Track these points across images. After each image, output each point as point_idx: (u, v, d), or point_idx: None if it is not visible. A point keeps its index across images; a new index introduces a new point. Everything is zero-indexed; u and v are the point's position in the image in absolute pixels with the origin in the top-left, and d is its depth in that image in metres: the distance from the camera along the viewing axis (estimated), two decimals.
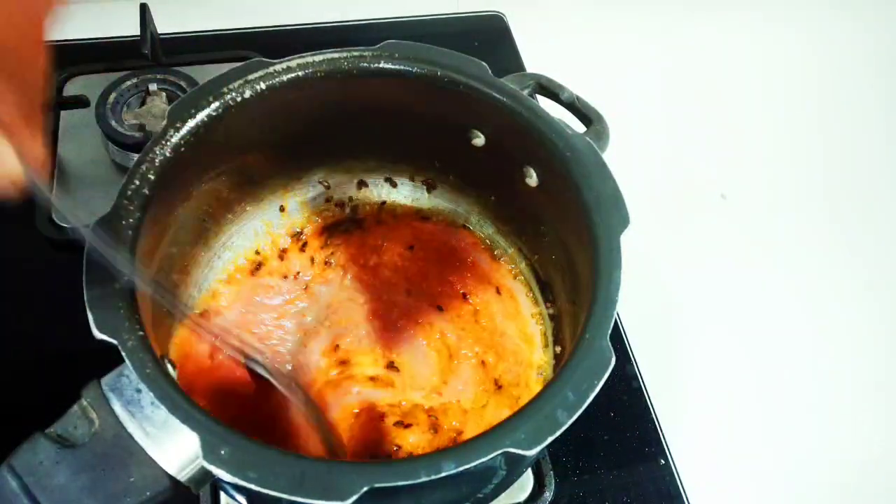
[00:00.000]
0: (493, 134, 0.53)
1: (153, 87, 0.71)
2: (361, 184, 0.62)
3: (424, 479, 0.34)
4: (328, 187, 0.61)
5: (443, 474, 0.34)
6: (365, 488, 0.33)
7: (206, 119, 0.47)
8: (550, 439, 0.36)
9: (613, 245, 0.43)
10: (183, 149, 0.45)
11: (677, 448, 0.61)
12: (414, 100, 0.52)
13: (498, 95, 0.49)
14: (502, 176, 0.54)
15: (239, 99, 0.47)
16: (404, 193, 0.62)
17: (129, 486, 0.34)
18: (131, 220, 0.42)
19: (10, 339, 0.61)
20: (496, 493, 0.50)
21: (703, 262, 0.74)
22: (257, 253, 0.59)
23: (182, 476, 0.35)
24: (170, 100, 0.71)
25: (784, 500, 0.62)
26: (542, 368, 0.56)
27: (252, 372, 0.52)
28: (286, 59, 0.49)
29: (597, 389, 0.38)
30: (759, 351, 0.69)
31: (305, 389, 0.52)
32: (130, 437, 0.35)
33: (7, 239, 0.67)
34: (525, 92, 0.51)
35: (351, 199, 0.62)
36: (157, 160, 0.44)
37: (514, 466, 0.49)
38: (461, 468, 0.34)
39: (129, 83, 0.71)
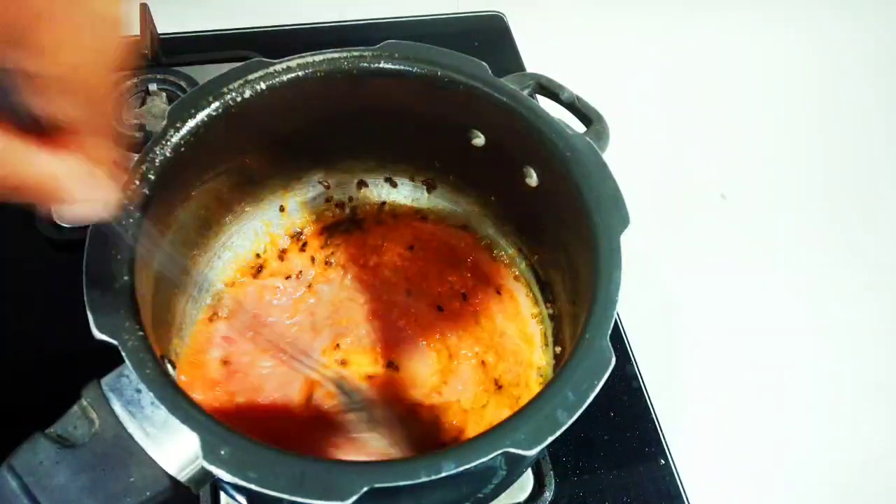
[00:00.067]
0: (493, 134, 0.53)
1: (153, 87, 0.71)
2: (361, 184, 0.62)
3: (424, 479, 0.34)
4: (328, 187, 0.61)
5: (443, 474, 0.34)
6: (365, 488, 0.33)
7: (206, 119, 0.47)
8: (550, 439, 0.36)
9: (613, 245, 0.43)
10: (183, 149, 0.45)
11: (677, 448, 0.61)
12: (414, 100, 0.52)
13: (498, 95, 0.49)
14: (502, 176, 0.54)
15: (239, 99, 0.47)
16: (404, 193, 0.62)
17: (129, 486, 0.34)
18: (131, 221, 0.41)
19: (10, 339, 0.61)
20: (496, 493, 0.50)
21: (703, 262, 0.74)
22: (258, 256, 0.59)
23: (182, 476, 0.35)
24: (170, 100, 0.71)
25: (784, 500, 0.62)
26: (542, 369, 0.56)
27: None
28: (286, 59, 0.49)
29: (597, 389, 0.38)
30: (759, 351, 0.69)
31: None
32: (130, 437, 0.35)
33: (7, 239, 0.67)
34: (525, 92, 0.51)
35: (351, 199, 0.62)
36: (157, 160, 0.44)
37: (514, 466, 0.49)
38: (461, 468, 0.34)
39: (128, 83, 0.71)
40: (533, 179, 0.52)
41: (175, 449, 0.35)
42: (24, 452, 0.34)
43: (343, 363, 0.55)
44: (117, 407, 0.35)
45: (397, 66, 0.50)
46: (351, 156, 0.60)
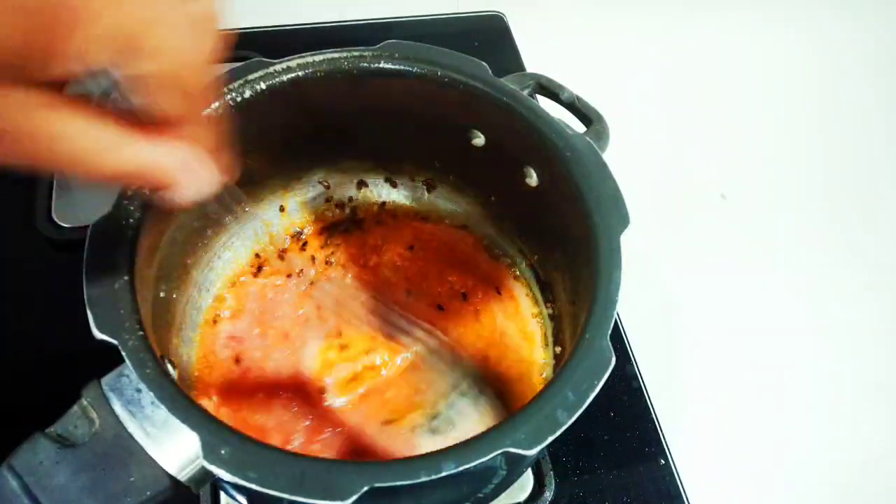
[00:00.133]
0: (493, 134, 0.53)
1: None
2: (361, 184, 0.62)
3: (424, 479, 0.34)
4: (328, 187, 0.61)
5: (443, 474, 0.34)
6: (365, 488, 0.33)
7: None
8: (550, 439, 0.36)
9: (613, 245, 0.43)
10: None
11: (677, 448, 0.61)
12: (414, 100, 0.52)
13: (498, 95, 0.49)
14: (502, 176, 0.54)
15: (239, 99, 0.47)
16: (404, 193, 0.62)
17: (129, 486, 0.34)
18: (131, 220, 0.42)
19: (10, 339, 0.61)
20: (496, 493, 0.50)
21: (703, 262, 0.74)
22: (258, 256, 0.59)
23: (182, 476, 0.35)
24: None
25: (784, 500, 0.62)
26: (542, 368, 0.56)
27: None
28: (286, 59, 0.49)
29: (597, 389, 0.38)
30: (759, 351, 0.69)
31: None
32: (131, 436, 0.35)
33: (7, 239, 0.67)
34: (525, 92, 0.51)
35: (351, 199, 0.62)
36: None
37: (514, 466, 0.49)
38: (461, 468, 0.34)
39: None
40: (533, 179, 0.52)
41: (175, 448, 0.35)
42: (24, 452, 0.34)
43: (343, 348, 0.56)
44: (117, 407, 0.35)
45: (397, 66, 0.50)
46: (351, 156, 0.60)
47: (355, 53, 0.50)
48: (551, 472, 0.57)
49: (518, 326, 0.57)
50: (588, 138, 0.48)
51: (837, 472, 0.63)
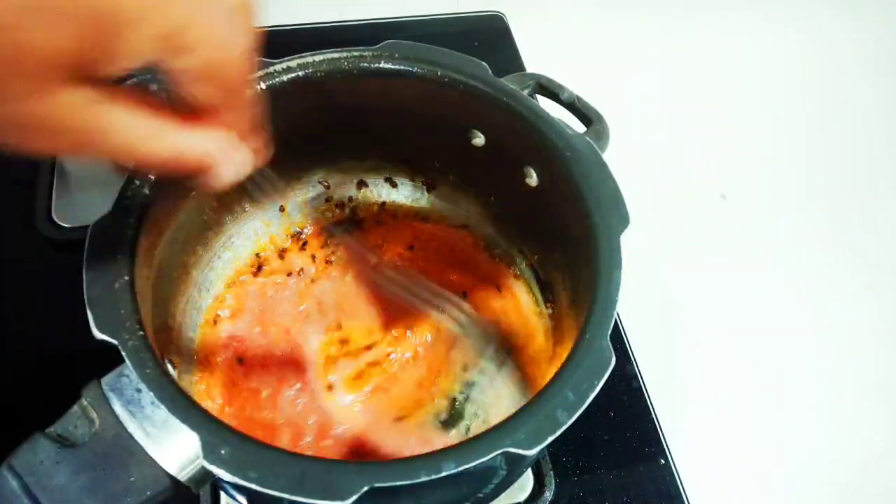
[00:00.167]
0: (493, 134, 0.53)
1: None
2: (361, 184, 0.62)
3: (424, 479, 0.34)
4: (328, 187, 0.61)
5: (443, 474, 0.34)
6: (365, 488, 0.33)
7: None
8: (550, 439, 0.36)
9: (613, 245, 0.43)
10: None
11: (677, 448, 0.61)
12: (414, 100, 0.52)
13: (498, 95, 0.49)
14: (502, 176, 0.54)
15: None
16: (404, 193, 0.62)
17: (129, 486, 0.34)
18: (131, 220, 0.42)
19: (10, 339, 0.61)
20: (496, 493, 0.49)
21: (703, 262, 0.74)
22: (257, 256, 0.59)
23: (182, 476, 0.35)
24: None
25: (784, 500, 0.62)
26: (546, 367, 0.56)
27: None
28: (286, 59, 0.49)
29: (597, 389, 0.38)
30: (759, 351, 0.69)
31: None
32: (131, 436, 0.35)
33: (7, 239, 0.67)
34: (525, 92, 0.51)
35: (351, 199, 0.62)
36: None
37: (514, 466, 0.49)
38: (461, 468, 0.34)
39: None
40: (533, 179, 0.52)
41: (175, 448, 0.35)
42: (24, 452, 0.34)
43: (344, 341, 0.56)
44: (117, 407, 0.35)
45: (397, 66, 0.50)
46: (351, 156, 0.60)
47: (355, 53, 0.50)
48: (551, 472, 0.57)
49: (520, 322, 0.57)
50: (588, 138, 0.48)
51: (837, 472, 0.63)
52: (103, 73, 0.26)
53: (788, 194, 0.81)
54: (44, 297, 0.64)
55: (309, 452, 0.50)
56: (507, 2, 0.91)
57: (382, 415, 0.53)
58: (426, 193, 0.62)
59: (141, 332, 0.38)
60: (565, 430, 0.36)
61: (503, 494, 0.51)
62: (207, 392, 0.52)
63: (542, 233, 0.56)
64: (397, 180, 0.62)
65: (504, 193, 0.57)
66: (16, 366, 0.60)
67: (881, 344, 0.71)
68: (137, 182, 0.43)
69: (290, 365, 0.54)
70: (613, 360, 0.39)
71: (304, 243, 0.60)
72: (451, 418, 0.53)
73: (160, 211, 0.45)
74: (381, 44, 0.50)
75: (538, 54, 0.86)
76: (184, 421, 0.35)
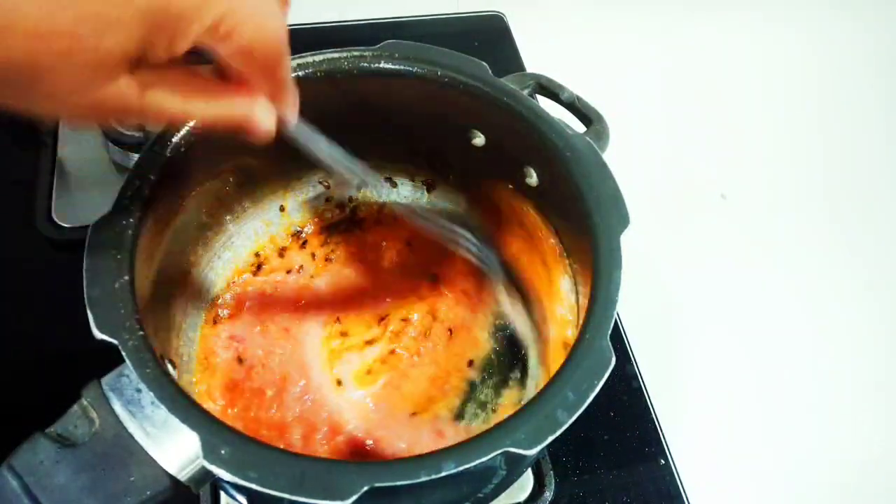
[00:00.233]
0: (493, 134, 0.53)
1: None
2: (361, 184, 0.62)
3: (424, 478, 0.34)
4: (328, 187, 0.61)
5: (443, 474, 0.34)
6: (365, 488, 0.33)
7: None
8: (550, 439, 0.36)
9: (613, 245, 0.43)
10: (183, 149, 0.45)
11: (677, 448, 0.61)
12: (414, 100, 0.52)
13: (498, 95, 0.49)
14: (502, 176, 0.54)
15: None
16: (404, 193, 0.62)
17: (129, 486, 0.34)
18: (131, 220, 0.42)
19: (10, 339, 0.61)
20: (496, 492, 0.50)
21: (703, 262, 0.74)
22: (257, 255, 0.59)
23: (182, 476, 0.35)
24: None
25: (784, 500, 0.62)
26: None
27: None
28: None
29: (597, 389, 0.38)
30: (759, 351, 0.69)
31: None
32: (131, 436, 0.35)
33: (7, 239, 0.67)
34: (525, 92, 0.51)
35: (351, 199, 0.62)
36: (157, 160, 0.44)
37: (514, 466, 0.49)
38: (461, 468, 0.34)
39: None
40: (533, 179, 0.52)
41: (175, 448, 0.35)
42: (24, 452, 0.34)
43: (344, 334, 0.56)
44: (117, 406, 0.35)
45: (397, 66, 0.50)
46: (350, 156, 0.60)
47: (355, 53, 0.50)
48: (551, 472, 0.57)
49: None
50: (588, 138, 0.48)
51: (837, 472, 0.63)
52: (155, 61, 0.31)
53: (788, 194, 0.81)
54: (44, 297, 0.64)
55: (323, 448, 0.50)
56: (507, 2, 0.91)
57: (396, 410, 0.53)
58: (426, 193, 0.62)
59: (141, 332, 0.38)
60: (565, 430, 0.36)
61: (503, 494, 0.51)
62: (208, 393, 0.52)
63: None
64: (397, 180, 0.62)
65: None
66: (16, 366, 0.60)
67: (881, 344, 0.71)
68: (137, 182, 0.43)
69: (293, 362, 0.54)
70: (613, 360, 0.39)
71: (304, 242, 0.60)
72: (465, 412, 0.54)
73: (160, 211, 0.45)
74: (381, 44, 0.50)
75: (538, 54, 0.86)
76: (184, 421, 0.35)
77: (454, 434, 0.52)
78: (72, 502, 0.33)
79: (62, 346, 0.59)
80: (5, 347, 0.61)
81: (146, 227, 0.42)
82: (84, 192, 0.68)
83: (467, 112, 0.51)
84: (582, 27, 0.94)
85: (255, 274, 0.58)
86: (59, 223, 0.65)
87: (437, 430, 0.52)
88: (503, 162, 0.53)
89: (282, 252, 0.60)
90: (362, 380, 0.54)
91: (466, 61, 0.50)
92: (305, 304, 0.57)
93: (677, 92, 0.89)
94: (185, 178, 0.48)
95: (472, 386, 0.55)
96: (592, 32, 0.93)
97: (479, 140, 0.53)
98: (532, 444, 0.35)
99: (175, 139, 0.45)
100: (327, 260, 0.60)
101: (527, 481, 0.57)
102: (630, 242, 0.43)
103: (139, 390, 0.36)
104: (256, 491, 0.33)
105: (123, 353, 0.36)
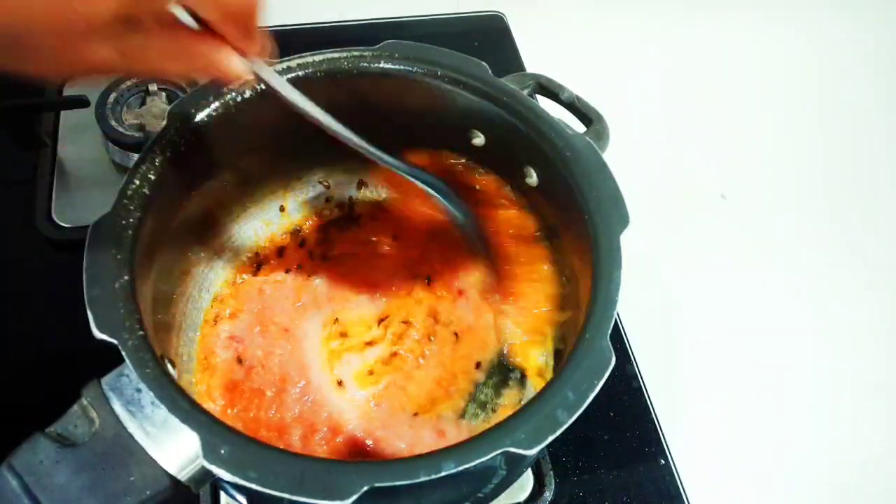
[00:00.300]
0: (493, 134, 0.53)
1: (153, 87, 0.71)
2: (361, 184, 0.62)
3: (424, 478, 0.34)
4: (328, 187, 0.61)
5: (443, 474, 0.34)
6: (365, 488, 0.33)
7: (206, 119, 0.47)
8: (550, 439, 0.36)
9: (613, 245, 0.43)
10: (183, 149, 0.45)
11: (677, 448, 0.61)
12: (414, 100, 0.52)
13: (498, 95, 0.49)
14: (502, 176, 0.54)
15: (239, 99, 0.48)
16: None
17: (129, 486, 0.34)
18: (131, 220, 0.42)
19: (10, 339, 0.61)
20: (496, 492, 0.50)
21: (703, 262, 0.74)
22: (257, 255, 0.59)
23: (182, 475, 0.35)
24: (170, 100, 0.71)
25: (784, 500, 0.62)
26: (541, 369, 0.56)
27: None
28: (286, 59, 0.49)
29: (597, 389, 0.38)
30: (759, 351, 0.69)
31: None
32: (131, 436, 0.35)
33: (7, 239, 0.67)
34: (525, 92, 0.51)
35: (351, 198, 0.62)
36: (157, 160, 0.44)
37: (514, 466, 0.49)
38: (461, 468, 0.34)
39: (129, 83, 0.71)
40: (533, 179, 0.52)
41: (175, 448, 0.35)
42: (24, 452, 0.34)
43: (343, 335, 0.56)
44: (117, 406, 0.35)
45: (397, 66, 0.50)
46: (351, 156, 0.59)
47: (355, 53, 0.50)
48: (551, 472, 0.57)
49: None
50: (588, 138, 0.48)
51: (837, 472, 0.63)
52: (142, 20, 0.33)
53: (788, 194, 0.81)
54: (44, 297, 0.64)
55: (322, 449, 0.50)
56: (507, 2, 0.91)
57: (399, 410, 0.53)
58: None
59: (141, 332, 0.38)
60: (565, 430, 0.36)
61: (503, 494, 0.51)
62: (208, 393, 0.52)
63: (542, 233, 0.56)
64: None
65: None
66: (16, 366, 0.60)
67: (881, 344, 0.71)
68: (137, 182, 0.43)
69: (292, 362, 0.54)
70: (613, 360, 0.39)
71: (303, 241, 0.60)
72: (465, 412, 0.54)
73: (160, 211, 0.45)
74: (381, 44, 0.50)
75: (538, 54, 0.86)
76: (184, 421, 0.35)
77: (455, 434, 0.52)
78: (72, 502, 0.33)
79: (62, 346, 0.59)
80: (5, 347, 0.61)
81: (146, 227, 0.42)
82: (84, 192, 0.68)
83: (467, 112, 0.51)
84: (582, 27, 0.94)
85: (254, 274, 0.58)
86: (59, 223, 0.66)
87: (439, 430, 0.52)
88: (503, 162, 0.53)
89: (281, 251, 0.60)
90: (364, 380, 0.54)
91: (466, 61, 0.50)
92: (304, 303, 0.57)
93: (677, 92, 0.89)
94: (184, 178, 0.48)
95: (476, 387, 0.55)
96: (592, 32, 0.93)
97: (479, 140, 0.53)
98: (532, 444, 0.35)
99: (175, 139, 0.45)
100: (325, 258, 0.60)
101: (527, 481, 0.57)
102: (630, 242, 0.43)
103: (139, 390, 0.36)
104: (256, 491, 0.33)
105: (123, 353, 0.36)
